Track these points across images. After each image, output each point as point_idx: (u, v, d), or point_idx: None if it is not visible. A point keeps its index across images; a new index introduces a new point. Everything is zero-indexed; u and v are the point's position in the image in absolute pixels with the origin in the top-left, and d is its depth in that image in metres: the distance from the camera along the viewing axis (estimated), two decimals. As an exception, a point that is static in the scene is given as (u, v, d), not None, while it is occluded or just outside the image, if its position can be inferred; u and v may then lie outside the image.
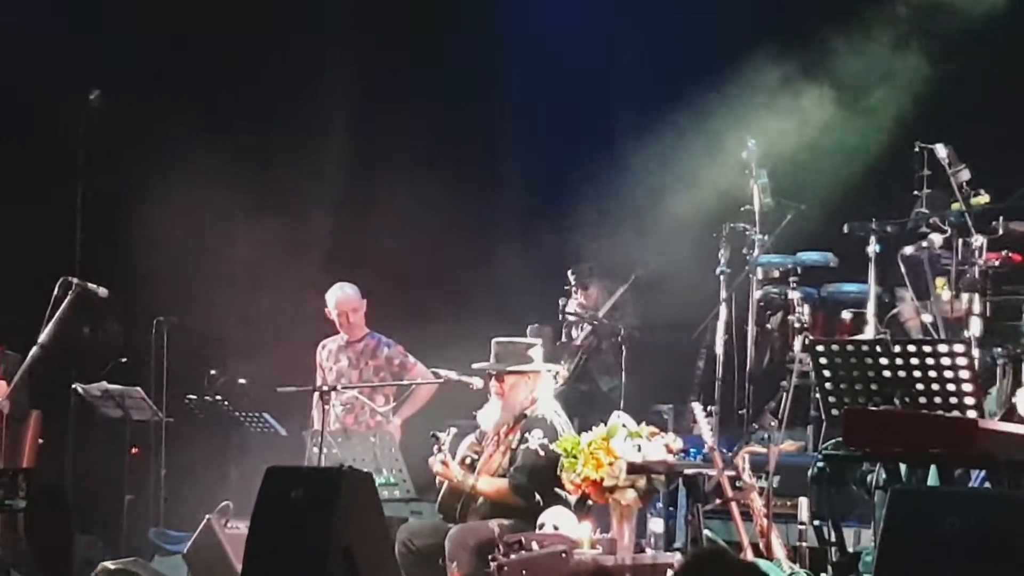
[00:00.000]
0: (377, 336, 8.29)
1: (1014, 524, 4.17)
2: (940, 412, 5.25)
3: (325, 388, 7.44)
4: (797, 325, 7.83)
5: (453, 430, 6.85)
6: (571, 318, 8.95)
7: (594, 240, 9.07)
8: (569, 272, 9.05)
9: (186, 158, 9.31)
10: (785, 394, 6.97)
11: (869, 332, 7.18)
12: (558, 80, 9.50)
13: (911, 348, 5.36)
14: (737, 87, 8.32)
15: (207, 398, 8.56)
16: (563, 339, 9.06)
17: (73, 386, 8.78)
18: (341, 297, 8.23)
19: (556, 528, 6.24)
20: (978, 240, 7.18)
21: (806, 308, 7.88)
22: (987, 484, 5.85)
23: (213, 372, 8.80)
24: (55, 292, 7.68)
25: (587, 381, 8.93)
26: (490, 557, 6.02)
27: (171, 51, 9.71)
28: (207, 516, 7.35)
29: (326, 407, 7.41)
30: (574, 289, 9.05)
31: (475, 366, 6.97)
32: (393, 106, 9.74)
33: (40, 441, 8.49)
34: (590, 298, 9.03)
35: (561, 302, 9.01)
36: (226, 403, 8.49)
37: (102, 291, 7.86)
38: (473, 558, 6.37)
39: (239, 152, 9.60)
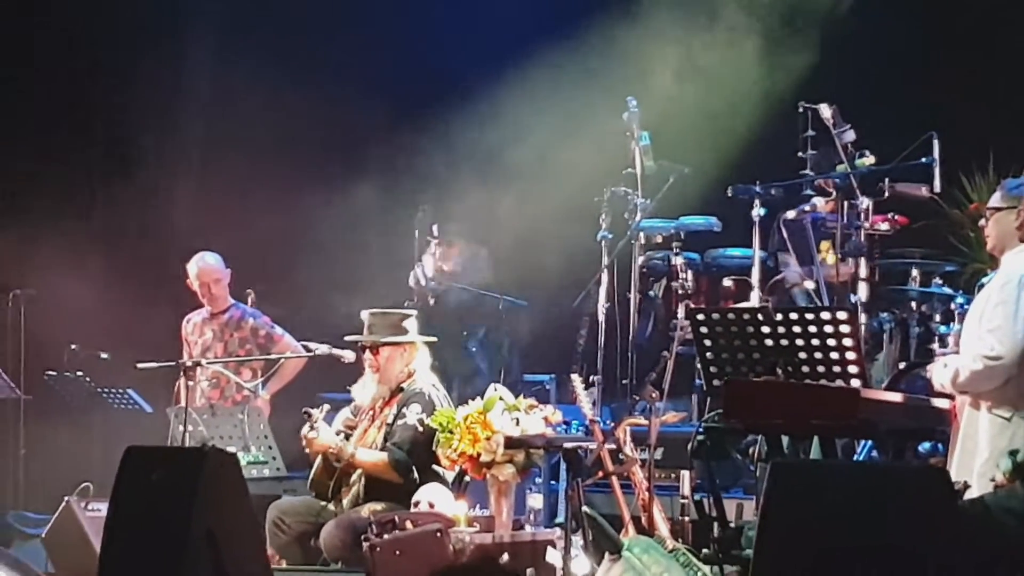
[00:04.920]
0: (242, 307, 8.06)
1: (895, 496, 4.03)
2: (823, 381, 5.13)
3: (188, 363, 7.18)
4: (681, 292, 7.72)
5: (327, 407, 6.65)
6: (431, 284, 8.54)
7: (463, 202, 8.76)
8: (434, 226, 8.52)
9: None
10: (667, 363, 6.84)
11: (754, 298, 7.08)
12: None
13: (793, 316, 5.23)
14: (619, 46, 8.13)
15: (68, 374, 8.24)
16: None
17: (-77, 364, 8.41)
18: (203, 267, 7.96)
19: (432, 505, 6.08)
20: (864, 203, 7.12)
21: (690, 274, 7.78)
22: (875, 454, 5.77)
23: (74, 347, 8.43)
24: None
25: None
26: (363, 537, 5.81)
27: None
28: (66, 498, 7.04)
29: (190, 383, 7.17)
30: (435, 246, 8.55)
31: (347, 338, 6.75)
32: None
33: None
34: (448, 258, 8.62)
35: (420, 266, 8.53)
36: (88, 379, 8.19)
37: None
38: (348, 550, 6.11)
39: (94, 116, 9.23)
